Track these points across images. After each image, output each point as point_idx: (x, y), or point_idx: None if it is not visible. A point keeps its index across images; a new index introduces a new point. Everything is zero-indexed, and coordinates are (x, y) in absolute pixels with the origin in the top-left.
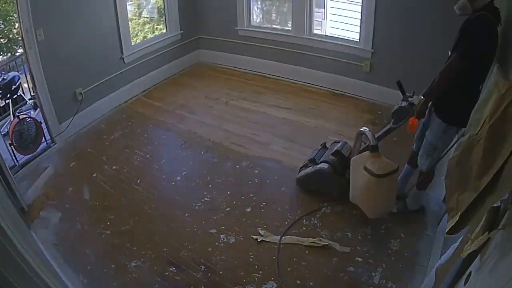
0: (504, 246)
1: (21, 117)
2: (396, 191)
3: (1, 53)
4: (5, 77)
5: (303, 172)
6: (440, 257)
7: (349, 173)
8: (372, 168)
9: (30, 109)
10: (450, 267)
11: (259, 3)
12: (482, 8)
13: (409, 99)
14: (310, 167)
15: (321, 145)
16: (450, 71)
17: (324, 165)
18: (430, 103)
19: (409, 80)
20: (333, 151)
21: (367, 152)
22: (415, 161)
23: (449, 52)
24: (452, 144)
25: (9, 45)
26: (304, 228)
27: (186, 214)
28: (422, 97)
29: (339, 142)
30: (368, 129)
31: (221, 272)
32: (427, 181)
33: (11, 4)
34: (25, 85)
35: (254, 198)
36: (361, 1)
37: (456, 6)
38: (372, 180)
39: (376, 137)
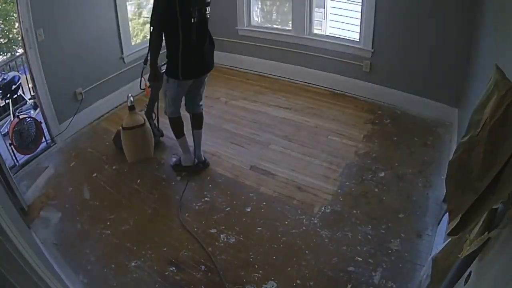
0: (504, 246)
1: (21, 117)
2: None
3: (1, 53)
4: (5, 77)
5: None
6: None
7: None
8: (123, 123)
9: (30, 109)
10: (448, 257)
11: (259, 3)
12: None
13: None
14: None
15: None
16: (150, 39)
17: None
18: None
19: (410, 79)
20: None
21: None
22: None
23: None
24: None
25: (9, 45)
26: (304, 228)
27: (186, 214)
28: (144, 65)
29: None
30: (130, 94)
31: (221, 272)
32: (174, 129)
33: (11, 4)
34: (25, 85)
35: (254, 198)
36: (361, 1)
37: None
38: (122, 132)
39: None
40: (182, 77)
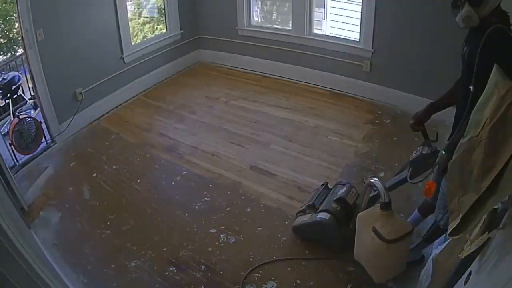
0: (504, 246)
1: (21, 117)
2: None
3: (1, 53)
4: (5, 77)
5: (301, 220)
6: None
7: (354, 224)
8: (383, 232)
9: (30, 109)
10: (448, 258)
11: (259, 3)
12: (490, 15)
13: (433, 144)
14: (309, 215)
15: (322, 184)
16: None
17: (325, 216)
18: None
19: (410, 79)
20: (336, 197)
21: (377, 209)
22: (427, 211)
23: (471, 87)
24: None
25: (9, 45)
26: None
27: (186, 214)
28: (444, 152)
29: (344, 184)
30: (378, 180)
31: (221, 272)
32: (438, 235)
33: (11, 4)
34: (25, 85)
35: (254, 198)
36: (361, 1)
37: (459, 17)
38: (381, 245)
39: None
40: None
